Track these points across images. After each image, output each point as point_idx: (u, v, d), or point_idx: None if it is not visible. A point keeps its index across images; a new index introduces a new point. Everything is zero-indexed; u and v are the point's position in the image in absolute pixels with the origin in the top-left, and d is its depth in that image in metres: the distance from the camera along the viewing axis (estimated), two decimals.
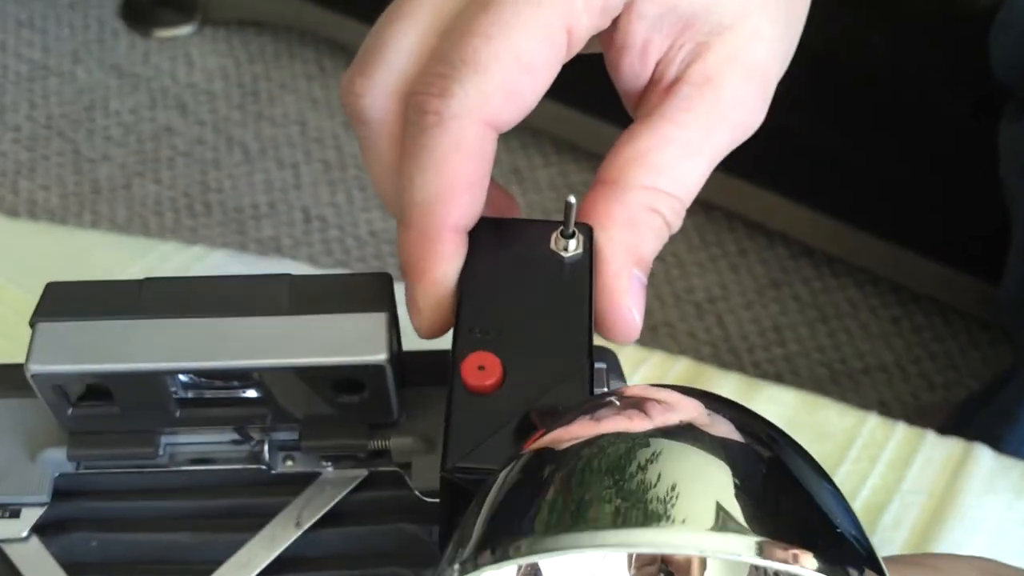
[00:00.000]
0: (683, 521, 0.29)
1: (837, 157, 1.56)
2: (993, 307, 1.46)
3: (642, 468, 0.30)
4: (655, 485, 0.29)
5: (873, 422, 0.66)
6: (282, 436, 0.46)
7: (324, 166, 1.92)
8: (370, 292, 0.43)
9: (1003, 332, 1.62)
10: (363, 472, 0.46)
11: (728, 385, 0.69)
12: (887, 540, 0.60)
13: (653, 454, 0.30)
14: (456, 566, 0.30)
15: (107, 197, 1.89)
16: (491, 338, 0.38)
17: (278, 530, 0.45)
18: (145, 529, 0.47)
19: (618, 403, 0.33)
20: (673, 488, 0.29)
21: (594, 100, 1.73)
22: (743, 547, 0.28)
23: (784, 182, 1.65)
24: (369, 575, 0.46)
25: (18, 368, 0.43)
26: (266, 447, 0.46)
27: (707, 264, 1.80)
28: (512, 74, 0.37)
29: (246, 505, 0.46)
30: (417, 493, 0.45)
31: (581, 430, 0.32)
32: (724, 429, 0.32)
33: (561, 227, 0.40)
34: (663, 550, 0.29)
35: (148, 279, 0.44)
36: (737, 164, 1.60)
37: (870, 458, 0.64)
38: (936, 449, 0.65)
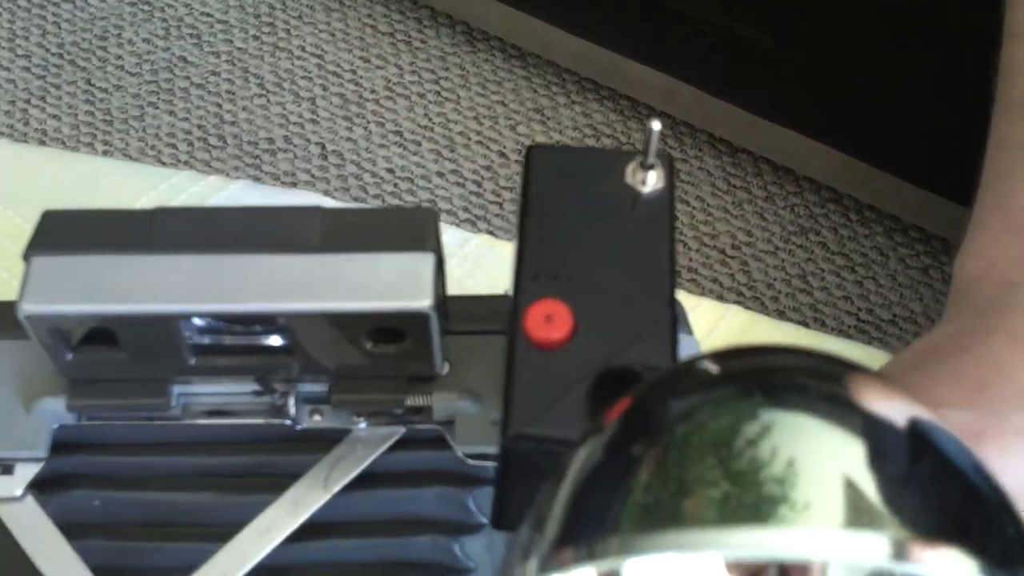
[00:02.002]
0: (805, 513, 0.23)
1: (870, 99, 1.51)
2: None
3: (751, 444, 0.25)
4: (768, 466, 0.24)
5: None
6: (309, 388, 0.41)
7: (342, 100, 1.87)
8: (413, 229, 0.38)
9: None
10: (399, 430, 0.41)
11: (783, 336, 0.64)
12: None
13: (764, 427, 0.25)
14: (534, 562, 0.25)
15: (119, 127, 1.84)
16: (559, 284, 0.33)
17: (304, 492, 0.40)
18: (154, 487, 0.42)
19: (715, 367, 0.28)
20: (790, 470, 0.24)
21: (618, 37, 1.68)
22: (882, 548, 0.23)
23: (815, 124, 1.60)
24: (405, 543, 0.41)
25: (9, 306, 0.38)
26: (291, 400, 0.41)
27: (732, 209, 1.75)
28: None
29: (268, 463, 0.42)
30: (460, 454, 0.40)
31: (674, 400, 0.27)
32: (844, 396, 0.27)
33: (639, 157, 0.35)
34: (779, 554, 0.24)
35: (160, 209, 0.38)
36: (766, 104, 1.55)
37: None
38: None
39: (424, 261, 0.37)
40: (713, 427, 0.25)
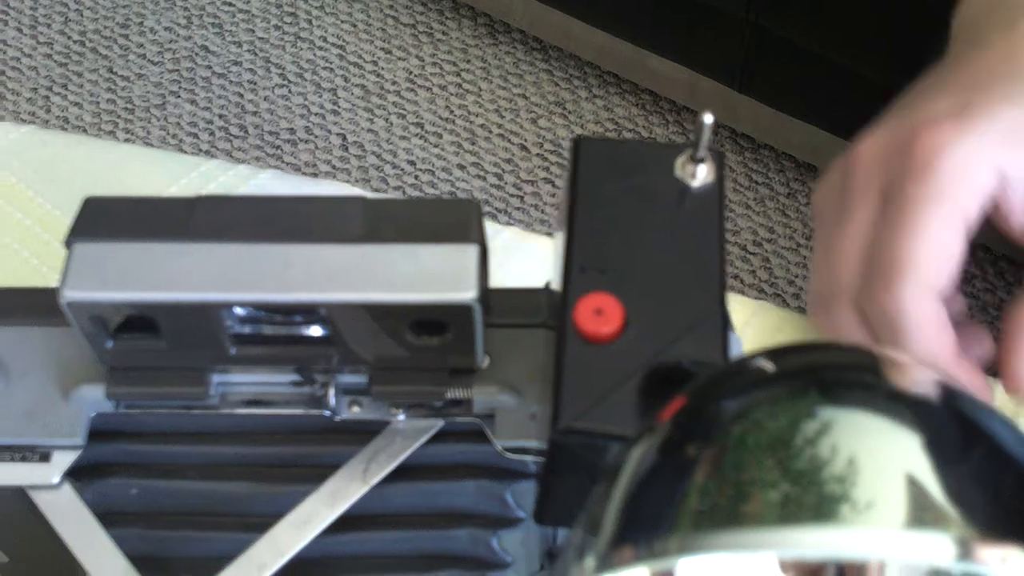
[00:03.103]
0: (867, 512, 0.23)
1: (894, 94, 1.50)
2: None
3: (810, 443, 0.24)
4: (828, 465, 0.24)
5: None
6: (348, 379, 0.41)
7: (363, 91, 1.87)
8: (457, 220, 0.37)
9: None
10: (438, 423, 0.41)
11: (814, 334, 0.63)
12: None
13: (823, 425, 0.25)
14: (591, 561, 0.25)
15: (141, 116, 1.84)
16: (608, 278, 0.32)
17: (342, 484, 0.40)
18: (192, 476, 0.42)
19: (770, 365, 0.27)
20: (851, 468, 0.24)
21: (641, 30, 1.67)
22: (947, 548, 0.23)
23: (838, 119, 1.59)
24: (443, 536, 0.41)
25: (50, 293, 0.38)
26: (331, 391, 0.40)
27: (754, 205, 1.74)
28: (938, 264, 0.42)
29: (306, 454, 0.41)
30: (499, 448, 0.40)
31: (729, 399, 0.26)
32: (901, 391, 0.26)
33: (689, 150, 0.34)
34: (841, 554, 0.23)
35: (202, 197, 0.38)
36: (789, 99, 1.54)
37: None
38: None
39: (468, 252, 0.37)
40: (770, 426, 0.25)
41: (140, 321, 0.38)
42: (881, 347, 0.31)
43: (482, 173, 1.75)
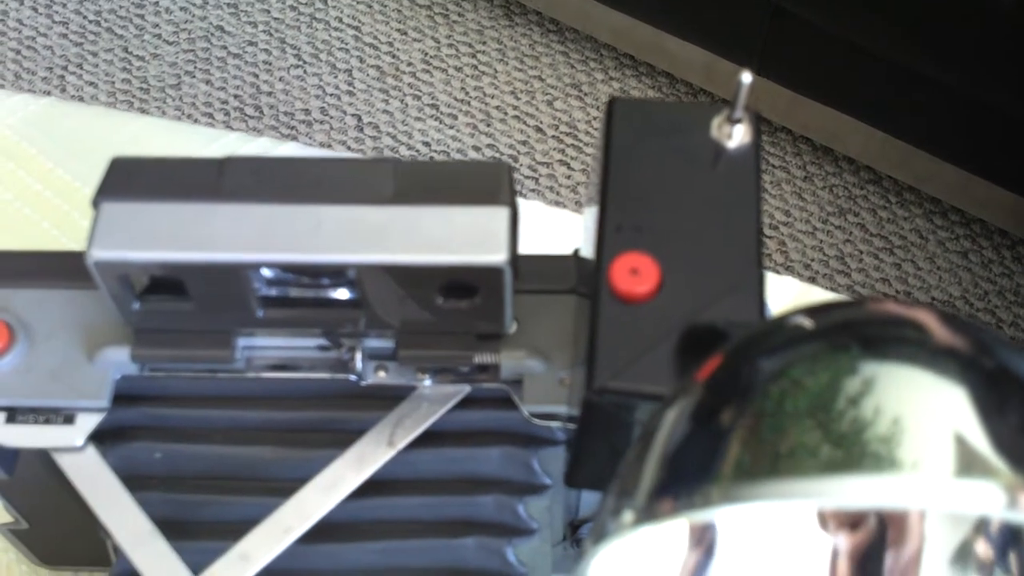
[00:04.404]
0: (913, 464, 0.23)
1: (912, 77, 1.49)
2: None
3: (853, 402, 0.24)
4: (872, 421, 0.24)
5: None
6: (375, 344, 0.40)
7: (378, 72, 1.86)
8: (488, 182, 0.37)
9: None
10: (465, 388, 0.40)
11: None
12: None
13: (865, 382, 0.24)
14: (629, 514, 0.24)
15: (156, 96, 1.83)
16: (643, 237, 0.32)
17: (368, 449, 0.39)
18: (217, 441, 0.41)
19: (808, 323, 0.27)
20: (896, 428, 0.23)
21: (658, 12, 1.66)
22: (996, 496, 0.22)
23: (855, 102, 1.58)
24: (469, 502, 0.40)
25: (74, 256, 0.37)
26: (358, 356, 0.40)
27: (771, 188, 1.73)
28: None
29: (332, 419, 0.41)
30: (526, 413, 0.39)
31: (767, 357, 0.26)
32: (949, 345, 0.26)
33: (725, 111, 0.34)
34: (887, 502, 0.23)
35: (230, 157, 0.38)
36: (806, 81, 1.54)
37: None
38: None
39: (499, 215, 0.36)
40: (810, 384, 0.25)
41: (167, 283, 0.38)
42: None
43: (497, 155, 1.75)
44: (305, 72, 1.87)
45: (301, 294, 0.39)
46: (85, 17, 1.94)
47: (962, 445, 0.23)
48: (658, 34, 1.68)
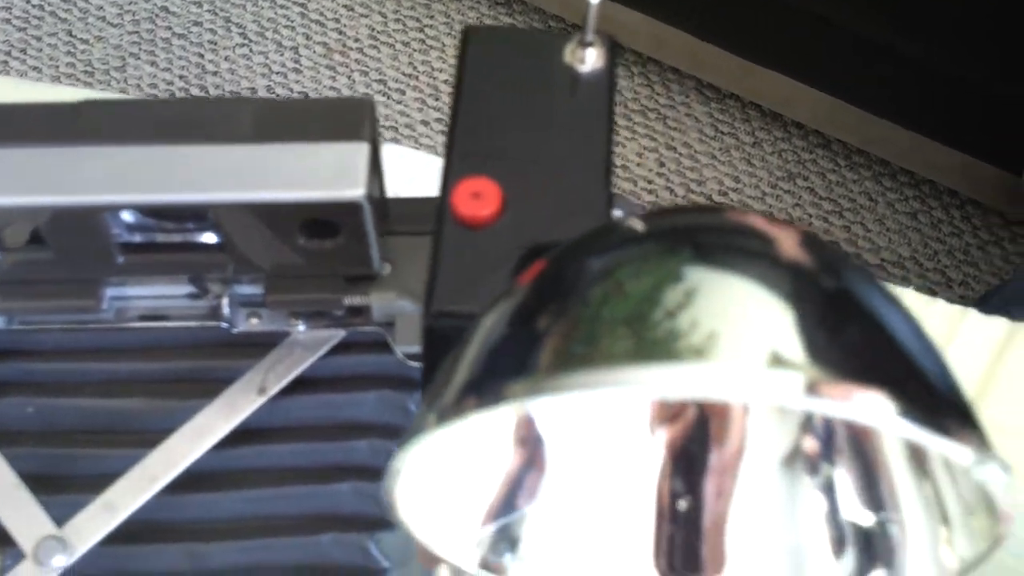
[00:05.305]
0: (720, 353, 0.22)
1: (859, 40, 1.49)
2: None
3: (670, 315, 0.23)
4: (687, 332, 0.23)
5: (911, 297, 0.60)
6: (246, 291, 0.39)
7: (325, 49, 1.85)
8: (347, 119, 0.36)
9: None
10: (339, 332, 0.40)
11: None
12: None
13: (687, 293, 0.24)
14: (434, 414, 0.24)
15: (100, 79, 1.81)
16: (489, 163, 0.31)
17: (238, 396, 0.39)
18: (90, 394, 0.40)
19: (641, 227, 0.26)
20: (711, 336, 0.23)
21: None
22: (797, 385, 0.22)
23: (802, 67, 1.58)
24: (343, 448, 0.40)
25: None
26: (225, 302, 0.39)
27: (720, 155, 1.73)
28: None
29: (205, 368, 0.40)
30: (401, 356, 0.39)
31: (593, 258, 0.25)
32: (792, 260, 0.25)
33: (577, 36, 0.33)
34: (689, 390, 0.22)
35: (87, 101, 0.37)
36: (754, 47, 1.53)
37: None
38: (979, 328, 0.58)
39: (358, 151, 0.36)
40: (633, 290, 0.24)
41: (28, 232, 0.37)
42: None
43: (446, 129, 1.73)
44: (251, 51, 1.85)
45: (166, 239, 0.38)
46: (28, 2, 1.92)
47: (774, 351, 0.22)
48: (606, 3, 1.66)
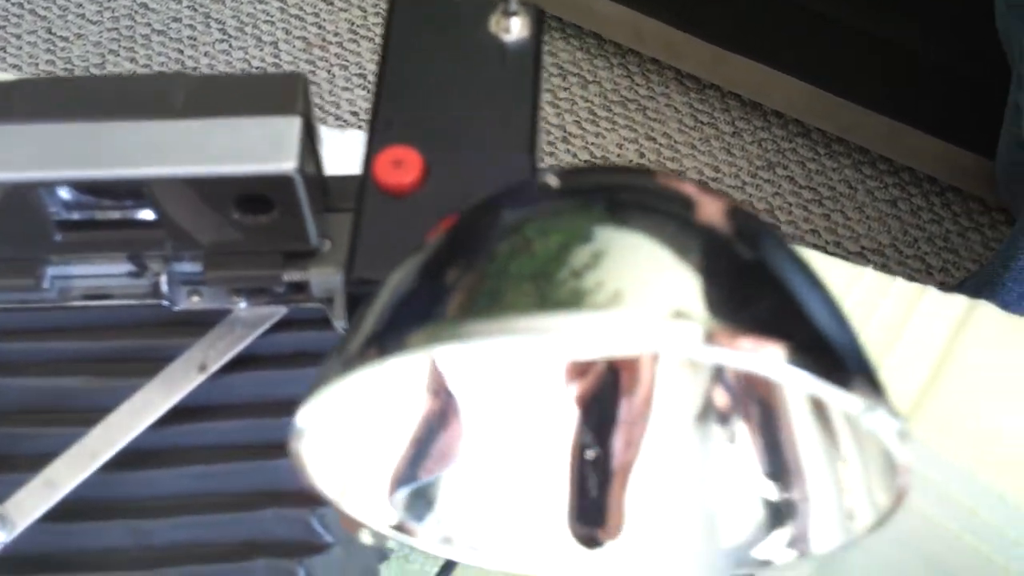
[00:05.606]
0: (619, 303, 0.22)
1: (838, 28, 1.49)
2: (997, 169, 1.40)
3: (576, 274, 0.23)
4: (592, 291, 0.23)
5: (870, 277, 0.60)
6: (187, 269, 0.39)
7: (305, 44, 1.85)
8: (279, 93, 0.36)
9: (1005, 214, 1.56)
10: (280, 310, 0.40)
11: None
12: None
13: (595, 254, 0.24)
14: (338, 365, 0.24)
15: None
16: (412, 131, 0.31)
17: (179, 374, 0.39)
18: (34, 373, 0.41)
19: (557, 183, 0.26)
20: (616, 295, 0.23)
21: None
22: (692, 333, 0.22)
23: (781, 55, 1.58)
24: (286, 425, 0.40)
25: None
26: (164, 278, 0.39)
27: (699, 145, 1.73)
28: None
29: (148, 347, 0.40)
30: (342, 332, 0.39)
31: (505, 212, 0.25)
32: (709, 225, 0.25)
33: (502, 5, 0.33)
34: (587, 340, 0.22)
35: (21, 79, 0.37)
36: (732, 36, 1.53)
37: (865, 314, 0.58)
38: (938, 306, 0.59)
39: (290, 125, 0.36)
40: (540, 248, 0.24)
41: None
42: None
43: None
44: (231, 46, 1.85)
45: (104, 217, 0.38)
46: (8, 0, 1.92)
47: (677, 308, 0.23)
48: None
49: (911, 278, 1.58)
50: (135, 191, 0.37)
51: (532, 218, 0.25)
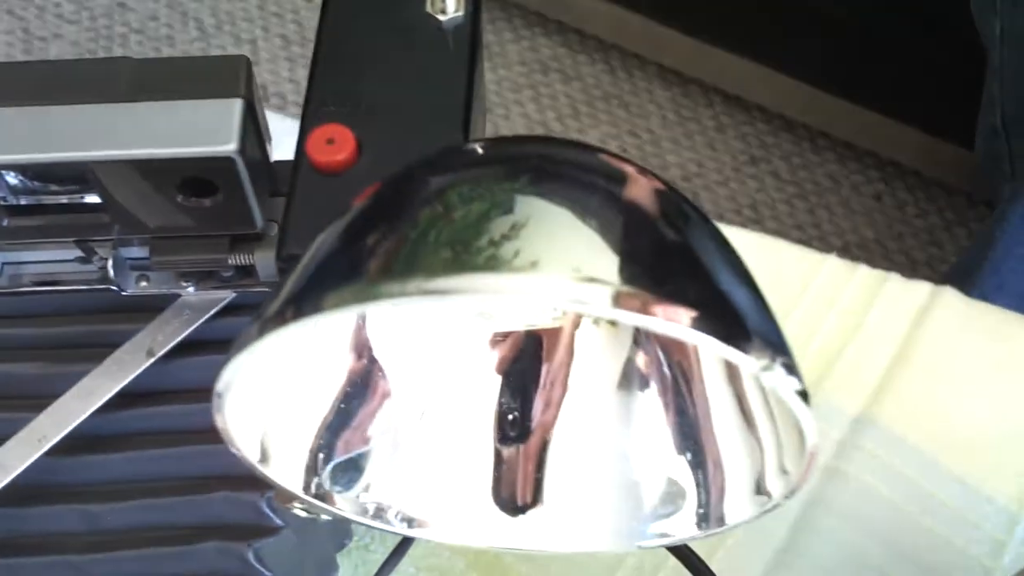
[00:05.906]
0: (532, 266, 0.23)
1: (821, 21, 1.49)
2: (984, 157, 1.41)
3: (495, 244, 0.23)
4: (509, 260, 0.23)
5: (833, 264, 0.60)
6: (133, 253, 0.40)
7: (284, 41, 1.84)
8: (222, 76, 0.36)
9: (988, 206, 1.56)
10: (229, 294, 0.40)
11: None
12: (842, 386, 0.55)
13: (514, 225, 0.24)
14: (256, 328, 0.24)
15: None
16: (346, 111, 0.32)
17: (126, 358, 0.39)
18: None
19: (481, 150, 0.26)
20: (533, 264, 0.23)
21: None
22: (600, 295, 0.22)
23: (764, 49, 1.58)
24: None
25: None
26: (110, 263, 0.39)
27: (682, 140, 1.73)
28: None
29: (97, 332, 0.40)
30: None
31: (427, 180, 0.25)
32: (634, 202, 0.25)
33: None
34: (499, 300, 0.22)
35: None
36: (714, 31, 1.53)
37: (827, 301, 0.58)
38: (900, 292, 0.59)
39: (231, 107, 0.36)
40: (460, 216, 0.24)
41: None
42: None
43: None
44: (208, 44, 1.85)
45: (52, 201, 0.38)
46: None
47: (590, 275, 0.23)
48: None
49: (898, 273, 1.59)
50: (80, 175, 0.37)
51: (455, 184, 0.25)
